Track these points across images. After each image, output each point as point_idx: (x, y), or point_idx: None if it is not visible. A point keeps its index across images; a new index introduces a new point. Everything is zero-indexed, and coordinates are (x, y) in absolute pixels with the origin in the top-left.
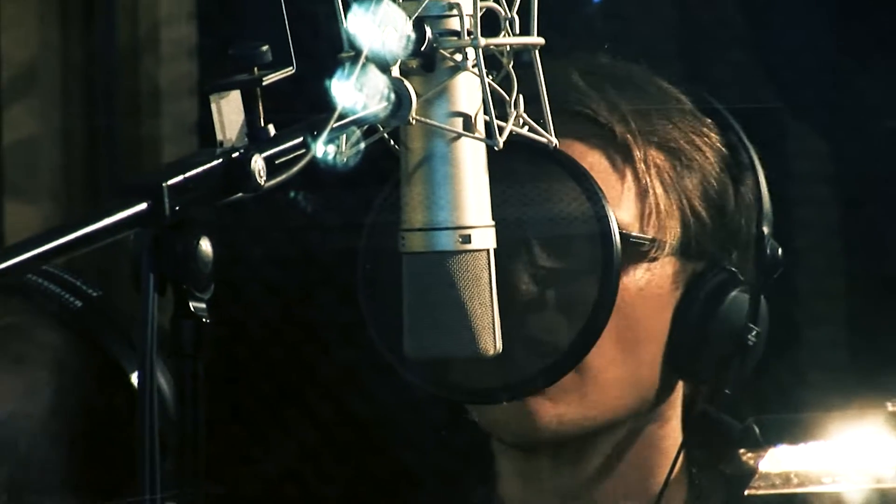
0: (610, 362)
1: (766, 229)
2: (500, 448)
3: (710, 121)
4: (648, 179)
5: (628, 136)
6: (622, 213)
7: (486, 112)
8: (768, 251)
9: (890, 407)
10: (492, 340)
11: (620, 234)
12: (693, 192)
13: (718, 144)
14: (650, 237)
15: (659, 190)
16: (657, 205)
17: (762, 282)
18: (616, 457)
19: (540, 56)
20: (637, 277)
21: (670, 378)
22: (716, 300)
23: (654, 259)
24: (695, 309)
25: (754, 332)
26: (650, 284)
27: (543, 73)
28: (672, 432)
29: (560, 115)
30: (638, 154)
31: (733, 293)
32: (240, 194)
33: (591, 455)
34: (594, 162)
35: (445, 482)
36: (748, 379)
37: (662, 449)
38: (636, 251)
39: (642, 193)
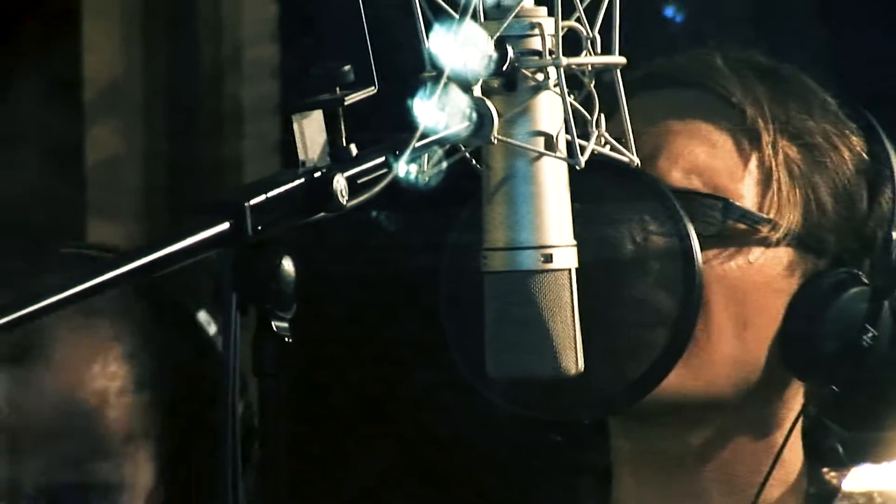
0: (720, 336)
1: (895, 235)
2: (613, 424)
3: (854, 126)
4: (774, 165)
5: (759, 119)
6: (742, 192)
7: (567, 131)
8: (894, 255)
9: None
10: (573, 359)
11: (735, 206)
12: (822, 188)
13: (859, 149)
14: (765, 217)
15: (784, 177)
16: (779, 190)
17: (885, 285)
18: (720, 442)
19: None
20: (752, 258)
21: (780, 369)
22: (833, 296)
23: (770, 243)
24: (810, 301)
25: (870, 334)
26: (764, 267)
27: (686, 57)
28: (783, 434)
29: (693, 91)
30: (767, 138)
31: (852, 291)
32: (322, 214)
33: (693, 433)
34: (719, 140)
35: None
36: (866, 384)
37: (773, 450)
38: (752, 231)
39: (766, 178)
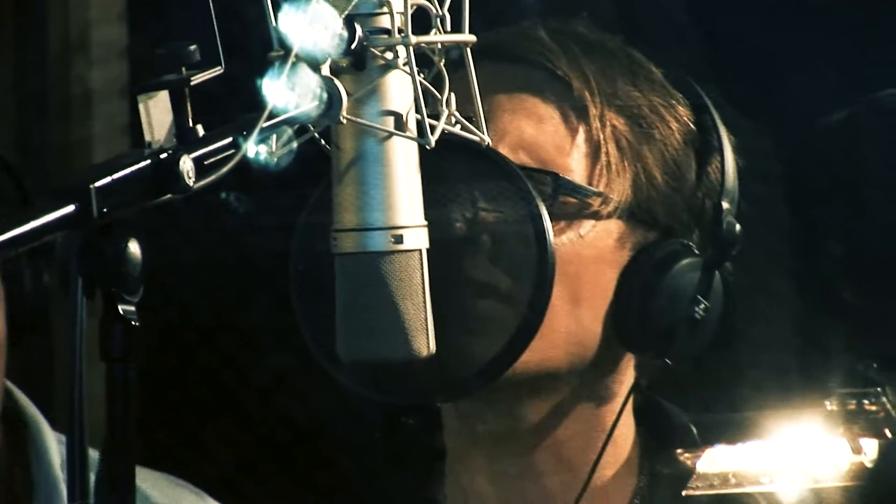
0: (554, 311)
1: (725, 205)
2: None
3: (681, 96)
4: (602, 137)
5: (586, 92)
6: (571, 166)
7: (417, 110)
8: (724, 225)
9: (828, 406)
10: (425, 342)
11: (565, 181)
12: (651, 160)
13: (686, 119)
14: (595, 190)
15: (612, 150)
16: (608, 163)
17: (715, 256)
18: (552, 420)
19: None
20: (582, 232)
21: (613, 343)
22: (663, 268)
23: (601, 216)
24: (640, 274)
25: (702, 306)
26: (595, 241)
27: (511, 31)
28: (615, 409)
29: (519, 66)
30: (594, 111)
31: (683, 263)
32: (169, 196)
33: (525, 411)
34: (546, 114)
35: (383, 486)
36: (697, 357)
37: (605, 426)
38: (582, 204)
39: (594, 151)
